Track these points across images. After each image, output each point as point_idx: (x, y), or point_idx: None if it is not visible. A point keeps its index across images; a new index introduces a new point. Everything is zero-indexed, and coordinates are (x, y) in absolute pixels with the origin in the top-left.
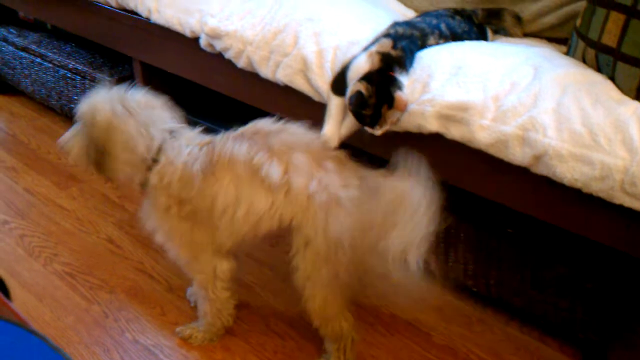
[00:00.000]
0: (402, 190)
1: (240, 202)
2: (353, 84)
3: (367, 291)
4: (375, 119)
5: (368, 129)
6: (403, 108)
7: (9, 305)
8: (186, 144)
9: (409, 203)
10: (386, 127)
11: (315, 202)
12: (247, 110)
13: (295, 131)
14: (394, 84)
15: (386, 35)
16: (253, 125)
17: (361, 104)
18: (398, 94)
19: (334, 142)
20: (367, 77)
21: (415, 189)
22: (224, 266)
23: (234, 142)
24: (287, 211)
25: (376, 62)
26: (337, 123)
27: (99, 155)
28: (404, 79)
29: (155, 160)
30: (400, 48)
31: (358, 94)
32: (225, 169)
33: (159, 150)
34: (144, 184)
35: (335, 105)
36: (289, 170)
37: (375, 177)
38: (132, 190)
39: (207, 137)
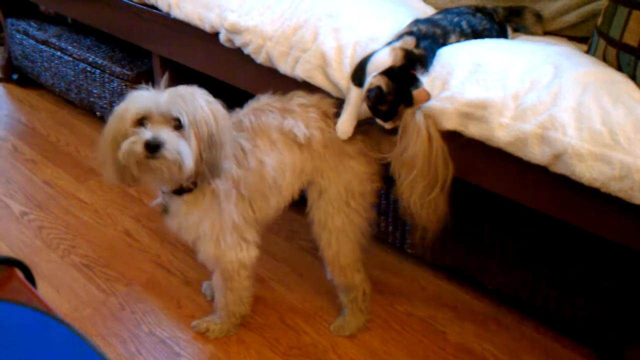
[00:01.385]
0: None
1: (285, 163)
2: (373, 76)
3: (383, 288)
4: (390, 115)
5: (379, 121)
6: (425, 100)
7: (36, 294)
8: None
9: (417, 129)
10: (398, 122)
11: (329, 152)
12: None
13: (303, 95)
14: (415, 83)
15: (409, 33)
16: (257, 100)
17: (379, 100)
18: (419, 90)
19: (349, 133)
20: (388, 72)
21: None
22: (252, 253)
23: (257, 115)
24: (311, 164)
25: (399, 58)
26: (354, 113)
27: (216, 154)
28: (424, 78)
29: None
30: (423, 47)
31: (378, 89)
32: (264, 137)
33: None
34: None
35: (354, 95)
36: (309, 127)
37: (375, 133)
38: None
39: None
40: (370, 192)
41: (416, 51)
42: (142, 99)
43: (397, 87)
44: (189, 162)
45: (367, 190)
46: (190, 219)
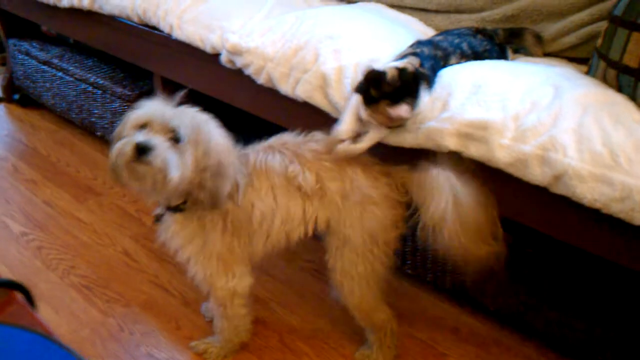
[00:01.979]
0: (428, 178)
1: (277, 210)
2: (386, 65)
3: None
4: (372, 102)
5: (360, 106)
6: (401, 117)
7: (36, 316)
8: None
9: (436, 187)
10: (372, 119)
11: (350, 202)
12: (266, 126)
13: (320, 139)
14: (413, 95)
15: (413, 54)
16: (279, 137)
17: (376, 82)
18: (406, 106)
19: (346, 134)
20: (402, 69)
21: (441, 175)
22: (245, 282)
23: (266, 154)
24: (323, 214)
25: (415, 65)
26: (352, 119)
27: (213, 176)
28: (426, 96)
29: None
30: (427, 67)
31: (382, 73)
32: (262, 179)
33: None
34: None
35: (354, 101)
36: (321, 177)
37: (401, 172)
38: (151, 204)
39: (239, 151)
40: (394, 239)
41: (421, 70)
42: (149, 106)
43: (398, 86)
44: (175, 174)
45: (392, 237)
46: (176, 239)
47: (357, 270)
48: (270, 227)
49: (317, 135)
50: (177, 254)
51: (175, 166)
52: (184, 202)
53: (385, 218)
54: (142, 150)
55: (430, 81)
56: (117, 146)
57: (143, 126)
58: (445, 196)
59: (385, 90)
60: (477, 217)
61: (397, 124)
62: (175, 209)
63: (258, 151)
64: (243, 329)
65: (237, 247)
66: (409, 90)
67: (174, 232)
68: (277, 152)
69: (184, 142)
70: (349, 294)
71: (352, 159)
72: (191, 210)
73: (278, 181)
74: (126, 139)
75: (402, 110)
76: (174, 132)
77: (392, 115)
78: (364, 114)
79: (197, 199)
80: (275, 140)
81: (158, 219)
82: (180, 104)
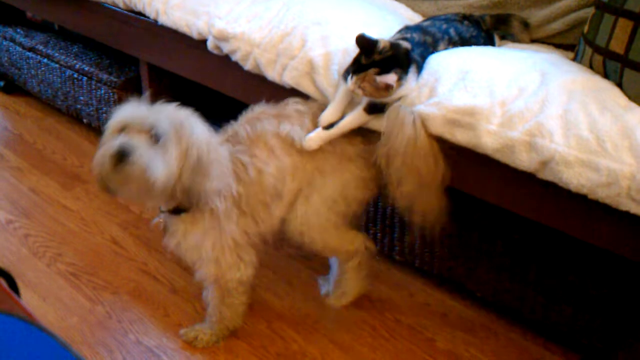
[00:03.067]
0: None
1: (285, 169)
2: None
3: (371, 295)
4: (360, 71)
5: (348, 78)
6: (387, 84)
7: (19, 302)
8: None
9: (402, 119)
10: (358, 89)
11: (328, 154)
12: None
13: (299, 101)
14: (402, 68)
15: (403, 39)
16: (253, 109)
17: (367, 50)
18: (395, 75)
19: (327, 122)
20: (394, 43)
21: (407, 110)
22: (250, 270)
23: (252, 124)
24: (311, 166)
25: (408, 46)
26: (338, 106)
27: (197, 176)
28: (414, 81)
29: None
30: (417, 54)
31: (375, 41)
32: (261, 145)
33: None
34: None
35: (342, 91)
36: (306, 130)
37: (372, 139)
38: None
39: (225, 134)
40: (363, 199)
41: (413, 55)
42: (125, 109)
43: (389, 56)
44: (159, 174)
45: (360, 196)
46: (190, 239)
47: (318, 220)
48: (282, 188)
49: (294, 99)
50: (186, 254)
51: (158, 165)
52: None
53: (358, 175)
54: (121, 154)
55: (419, 67)
56: (98, 155)
57: (121, 130)
58: (409, 128)
59: (375, 58)
60: (434, 159)
61: (383, 96)
62: (178, 211)
63: (243, 125)
64: (242, 313)
65: (254, 227)
66: (399, 63)
67: (184, 232)
68: (262, 119)
69: (164, 139)
70: (311, 242)
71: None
72: (199, 207)
73: (274, 142)
74: (105, 145)
75: (389, 78)
76: (152, 130)
77: (378, 82)
78: (351, 82)
79: (174, 195)
80: (250, 112)
81: (165, 229)
82: (157, 101)
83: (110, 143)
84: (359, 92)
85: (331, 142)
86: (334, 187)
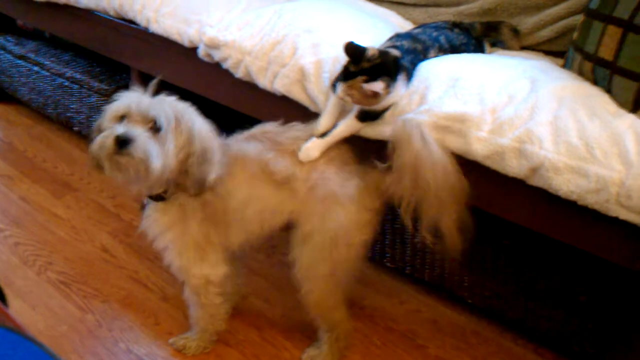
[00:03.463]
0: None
1: (252, 199)
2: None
3: (363, 302)
4: (349, 78)
5: (337, 83)
6: (374, 91)
7: (6, 312)
8: None
9: (408, 133)
10: (347, 96)
11: (314, 197)
12: (243, 119)
13: (302, 128)
14: (392, 76)
15: (393, 47)
16: (261, 126)
17: (356, 57)
18: (383, 83)
19: (320, 131)
20: (383, 51)
21: (412, 123)
22: (220, 271)
23: (245, 142)
24: (290, 205)
25: (397, 54)
26: (330, 115)
27: (199, 163)
28: (403, 88)
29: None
30: (407, 61)
31: (364, 49)
32: (240, 167)
33: None
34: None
35: (333, 100)
36: (293, 166)
37: (377, 174)
38: (129, 199)
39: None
40: (359, 244)
41: (402, 62)
42: (127, 97)
43: (377, 64)
44: (157, 164)
45: (355, 241)
46: (156, 227)
47: (316, 270)
48: (244, 216)
49: (299, 125)
50: (155, 241)
51: (157, 156)
52: (166, 191)
53: (348, 221)
54: (123, 143)
55: (409, 74)
56: (98, 139)
57: (122, 117)
58: (417, 142)
59: (363, 66)
60: (450, 171)
61: (371, 104)
62: (158, 198)
63: (239, 140)
64: (219, 317)
65: (215, 237)
66: (387, 70)
67: (154, 219)
68: (256, 141)
69: (165, 131)
70: (308, 292)
71: (332, 154)
72: (172, 198)
73: (254, 170)
74: (107, 131)
75: (376, 86)
76: (153, 121)
77: (365, 90)
78: (340, 89)
79: (182, 186)
80: (257, 128)
81: (142, 207)
82: (158, 93)
83: (112, 129)
84: (348, 99)
85: (316, 185)
86: (322, 235)
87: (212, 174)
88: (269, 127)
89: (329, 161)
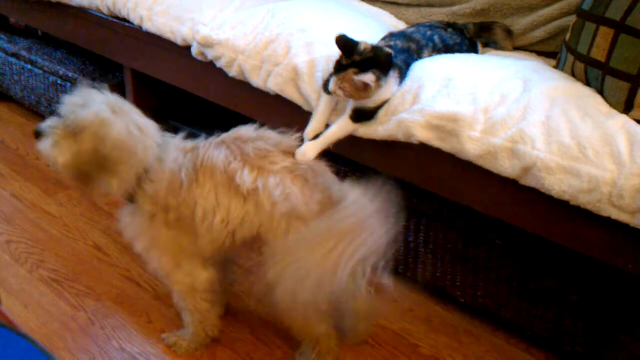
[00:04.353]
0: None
1: (218, 209)
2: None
3: None
4: (341, 70)
5: (330, 79)
6: (363, 83)
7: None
8: (172, 151)
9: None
10: (339, 90)
11: (277, 212)
12: (237, 118)
13: (273, 138)
14: (383, 70)
15: (387, 47)
16: (235, 131)
17: (349, 50)
18: (372, 76)
19: (311, 135)
20: (376, 46)
21: (368, 209)
22: (203, 277)
23: (215, 149)
24: (257, 219)
25: (390, 52)
26: (321, 118)
27: (95, 169)
28: (396, 86)
29: (146, 171)
30: (400, 60)
31: (357, 43)
32: (207, 175)
33: (151, 161)
34: (130, 194)
35: (323, 102)
36: (258, 178)
37: (341, 189)
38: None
39: (191, 144)
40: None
41: (395, 61)
42: (73, 94)
43: (369, 58)
44: (55, 161)
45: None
46: (129, 230)
47: (284, 286)
48: (211, 226)
49: (269, 133)
50: (133, 245)
51: (56, 153)
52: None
53: (310, 237)
54: (36, 135)
55: (402, 73)
56: None
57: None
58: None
59: (355, 59)
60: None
61: (362, 98)
62: (130, 200)
63: (209, 145)
64: (209, 323)
65: (186, 243)
66: (379, 64)
67: (125, 223)
68: (226, 148)
69: (73, 130)
70: (278, 302)
71: (297, 164)
72: (140, 203)
73: (221, 179)
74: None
75: (367, 77)
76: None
77: (357, 82)
78: (332, 83)
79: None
80: (230, 134)
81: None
82: (113, 91)
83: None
84: (340, 93)
85: (280, 200)
86: (284, 252)
87: (114, 186)
88: (243, 132)
89: (296, 175)
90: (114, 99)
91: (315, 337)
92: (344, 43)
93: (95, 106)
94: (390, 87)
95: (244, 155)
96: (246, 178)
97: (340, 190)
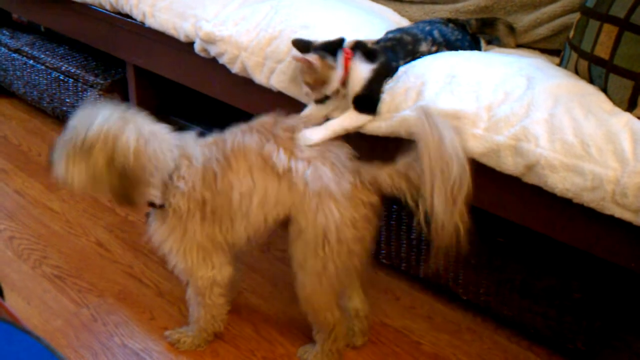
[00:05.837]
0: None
1: (255, 190)
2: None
3: None
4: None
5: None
6: (308, 72)
7: (3, 304)
8: (196, 147)
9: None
10: (304, 85)
11: (309, 191)
12: (240, 114)
13: (297, 117)
14: (330, 51)
15: (376, 42)
16: (259, 118)
17: (301, 47)
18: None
19: (313, 119)
20: (360, 41)
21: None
22: (225, 272)
23: (243, 135)
24: (290, 198)
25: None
26: (320, 106)
27: (125, 184)
28: (364, 66)
29: (172, 172)
30: (380, 47)
31: (308, 41)
32: (240, 159)
33: (177, 160)
34: (162, 200)
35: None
36: (292, 158)
37: (372, 169)
38: None
39: (211, 138)
40: (352, 240)
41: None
42: (81, 112)
43: (317, 46)
44: (70, 182)
45: (348, 237)
46: (158, 234)
47: (308, 264)
48: (249, 208)
49: (296, 115)
50: (159, 248)
51: (70, 174)
52: (153, 203)
53: (341, 216)
54: (50, 164)
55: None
56: None
57: None
58: (426, 129)
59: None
60: (463, 161)
61: (317, 81)
62: (155, 206)
63: (236, 133)
64: (219, 318)
65: (219, 235)
66: (325, 47)
67: (155, 228)
68: (255, 132)
69: (84, 150)
70: (301, 286)
71: (328, 151)
72: (168, 205)
73: (255, 161)
74: None
75: (308, 55)
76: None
77: (302, 66)
78: (312, 57)
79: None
80: (255, 121)
81: (147, 216)
82: (115, 87)
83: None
84: (307, 89)
85: (312, 179)
86: (314, 230)
87: (141, 190)
88: (267, 119)
89: (325, 157)
90: (119, 108)
91: (332, 322)
92: (298, 42)
93: (99, 121)
94: (357, 68)
95: (276, 138)
96: (282, 159)
97: (368, 171)
